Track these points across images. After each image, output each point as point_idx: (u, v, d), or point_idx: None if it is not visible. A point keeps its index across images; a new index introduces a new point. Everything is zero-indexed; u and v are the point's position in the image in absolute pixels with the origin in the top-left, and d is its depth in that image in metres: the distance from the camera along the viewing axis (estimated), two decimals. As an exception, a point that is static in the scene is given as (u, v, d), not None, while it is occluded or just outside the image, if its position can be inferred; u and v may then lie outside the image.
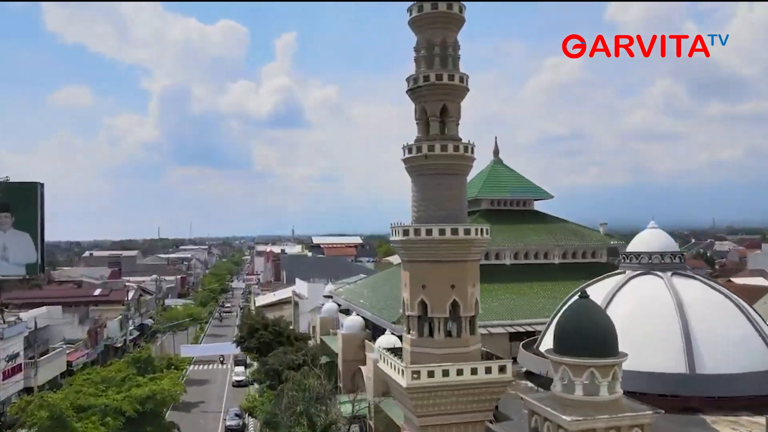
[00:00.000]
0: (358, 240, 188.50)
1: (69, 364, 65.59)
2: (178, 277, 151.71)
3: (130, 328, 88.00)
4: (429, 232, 24.21)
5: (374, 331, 49.03)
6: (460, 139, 25.43)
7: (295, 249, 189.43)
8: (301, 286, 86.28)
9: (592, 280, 36.13)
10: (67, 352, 66.02)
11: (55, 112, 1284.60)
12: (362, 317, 51.24)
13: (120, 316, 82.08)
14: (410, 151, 25.39)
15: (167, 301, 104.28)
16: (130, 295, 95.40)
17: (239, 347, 57.07)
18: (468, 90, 25.88)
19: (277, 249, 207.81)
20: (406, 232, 24.81)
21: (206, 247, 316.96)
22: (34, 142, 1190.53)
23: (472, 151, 25.39)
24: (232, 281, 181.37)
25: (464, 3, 25.59)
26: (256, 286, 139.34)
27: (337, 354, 50.95)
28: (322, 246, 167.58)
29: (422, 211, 25.37)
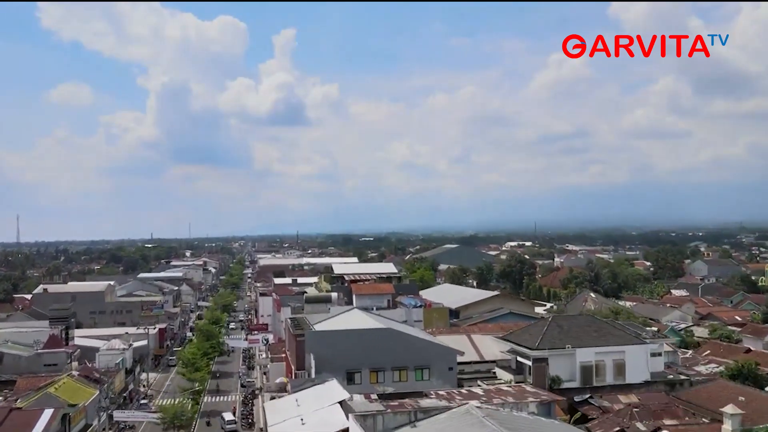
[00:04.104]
0: (392, 268, 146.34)
1: None
2: (155, 330, 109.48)
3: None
4: None
5: None
6: None
7: (310, 278, 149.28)
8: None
9: None
10: None
11: (53, 109, 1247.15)
12: None
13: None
14: None
15: (118, 415, 61.84)
16: (45, 419, 53.76)
17: None
18: None
19: (286, 275, 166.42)
20: None
21: (201, 262, 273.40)
22: (32, 141, 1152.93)
23: None
24: (229, 325, 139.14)
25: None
26: (263, 350, 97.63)
27: None
28: (346, 279, 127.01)
29: None
